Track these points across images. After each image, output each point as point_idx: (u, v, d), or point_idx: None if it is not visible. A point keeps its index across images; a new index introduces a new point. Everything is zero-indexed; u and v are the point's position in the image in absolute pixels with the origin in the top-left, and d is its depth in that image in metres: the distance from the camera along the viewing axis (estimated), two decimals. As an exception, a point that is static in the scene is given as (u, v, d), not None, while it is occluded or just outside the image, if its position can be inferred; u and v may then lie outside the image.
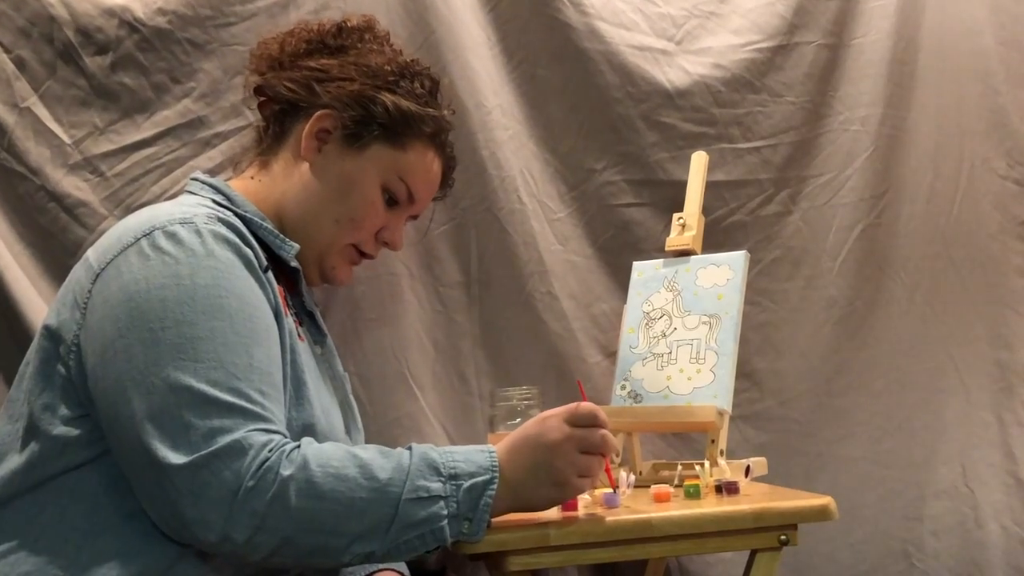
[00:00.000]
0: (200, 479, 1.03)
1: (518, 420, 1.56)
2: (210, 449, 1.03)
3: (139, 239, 1.13)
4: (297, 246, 1.28)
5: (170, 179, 1.67)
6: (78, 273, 1.19)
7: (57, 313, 1.18)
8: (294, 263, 1.30)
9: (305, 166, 1.31)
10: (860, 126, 1.98)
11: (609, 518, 1.28)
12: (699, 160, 1.82)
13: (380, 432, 1.69)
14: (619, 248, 1.91)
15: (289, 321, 1.23)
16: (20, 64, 1.63)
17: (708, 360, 1.62)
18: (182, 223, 1.14)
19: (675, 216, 1.78)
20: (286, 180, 1.32)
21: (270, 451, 1.04)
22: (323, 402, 1.26)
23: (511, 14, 1.87)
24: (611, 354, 1.83)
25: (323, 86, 1.31)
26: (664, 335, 1.69)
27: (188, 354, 1.07)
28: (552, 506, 1.21)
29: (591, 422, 1.19)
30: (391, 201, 1.36)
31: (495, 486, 1.12)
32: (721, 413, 1.56)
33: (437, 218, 1.82)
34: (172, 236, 1.13)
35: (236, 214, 1.25)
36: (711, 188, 1.86)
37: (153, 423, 1.05)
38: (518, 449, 1.16)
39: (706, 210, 1.82)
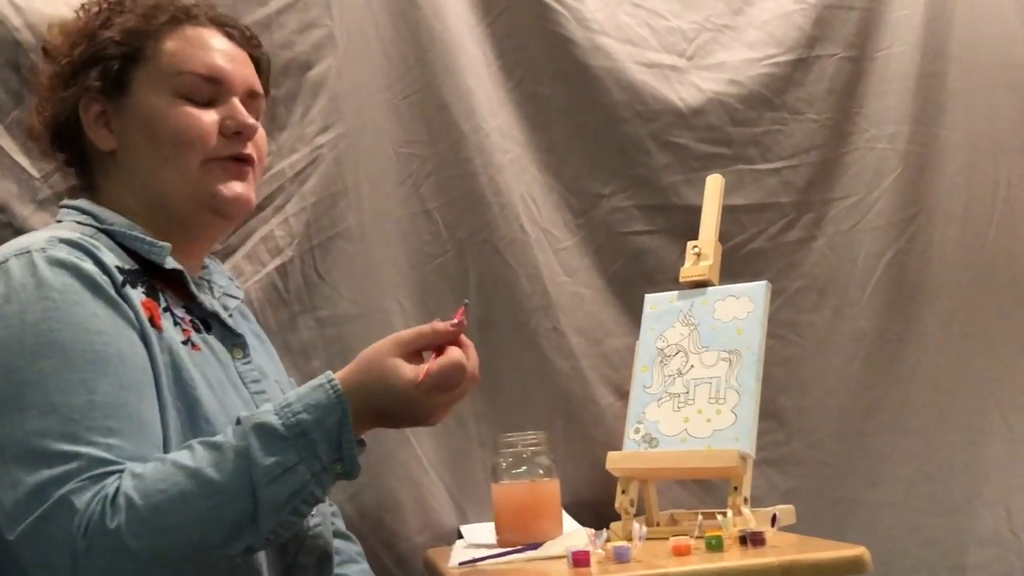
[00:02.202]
0: (38, 547, 1.01)
1: (524, 468, 1.55)
2: (39, 512, 1.01)
3: None
4: (168, 245, 1.25)
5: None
6: None
7: None
8: (171, 264, 1.26)
9: (114, 157, 1.29)
10: (887, 144, 1.98)
11: (624, 575, 1.25)
12: (715, 183, 1.81)
13: (371, 483, 1.66)
14: (630, 279, 1.90)
15: (171, 334, 1.20)
16: (-16, 93, 1.63)
17: (729, 400, 1.60)
18: (17, 254, 1.13)
19: (690, 244, 1.77)
20: (113, 182, 1.30)
21: (99, 501, 1.02)
22: (232, 415, 1.20)
23: (509, 29, 1.87)
24: (623, 394, 1.81)
25: (66, 85, 1.29)
26: (680, 373, 1.67)
27: (15, 404, 1.05)
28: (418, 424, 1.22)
29: (456, 383, 1.16)
30: (197, 101, 1.29)
31: (349, 418, 1.09)
32: (744, 457, 1.54)
33: (431, 250, 1.81)
34: (4, 273, 1.12)
35: (101, 230, 1.23)
36: (728, 213, 1.85)
37: None
38: (374, 390, 1.13)
39: (723, 237, 1.80)
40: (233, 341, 1.32)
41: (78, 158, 1.33)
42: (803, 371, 1.93)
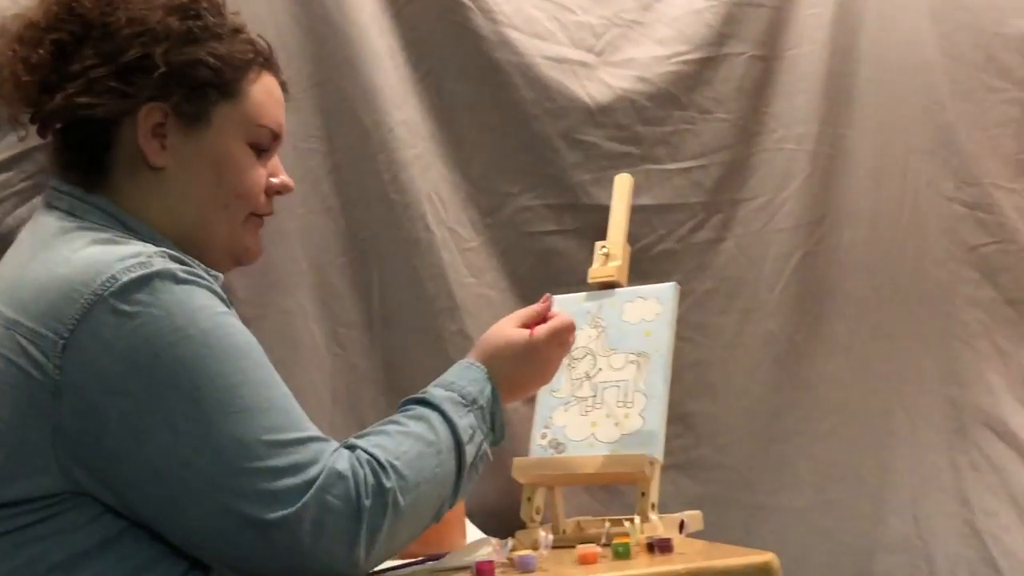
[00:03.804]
0: (314, 518, 1.07)
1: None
2: (313, 488, 1.07)
3: (102, 295, 1.09)
4: (221, 276, 1.25)
5: (27, 208, 1.61)
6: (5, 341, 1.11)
7: None
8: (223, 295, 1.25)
9: (160, 172, 1.26)
10: (796, 145, 2.02)
11: (528, 584, 1.26)
12: (623, 183, 1.83)
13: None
14: (538, 280, 1.89)
15: None
16: None
17: (637, 403, 1.62)
18: (142, 264, 1.11)
19: (598, 244, 1.78)
20: (145, 197, 1.26)
21: (362, 465, 1.12)
22: None
23: (415, 21, 1.87)
24: (530, 399, 1.79)
25: (123, 80, 1.23)
26: (588, 376, 1.69)
27: (236, 404, 1.08)
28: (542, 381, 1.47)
29: (567, 333, 1.45)
30: (258, 152, 1.32)
31: (498, 390, 1.32)
32: (652, 462, 1.55)
33: (333, 249, 1.80)
34: (142, 284, 1.10)
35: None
36: (637, 213, 1.87)
37: (237, 484, 1.06)
38: (502, 356, 1.37)
39: (632, 237, 1.82)
40: None
41: (93, 149, 1.26)
42: (712, 374, 1.96)
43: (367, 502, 1.10)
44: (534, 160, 1.93)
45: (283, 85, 1.39)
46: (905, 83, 2.08)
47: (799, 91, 2.02)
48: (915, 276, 2.06)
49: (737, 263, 2.00)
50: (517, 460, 1.65)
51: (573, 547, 1.44)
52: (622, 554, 1.40)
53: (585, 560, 1.38)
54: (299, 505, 1.06)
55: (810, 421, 1.99)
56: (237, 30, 1.32)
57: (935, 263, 2.07)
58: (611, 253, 1.76)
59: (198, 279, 1.15)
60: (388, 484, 1.12)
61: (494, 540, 1.49)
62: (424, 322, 1.84)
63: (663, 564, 1.35)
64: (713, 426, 1.96)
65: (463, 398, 1.27)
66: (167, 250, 1.17)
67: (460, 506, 1.56)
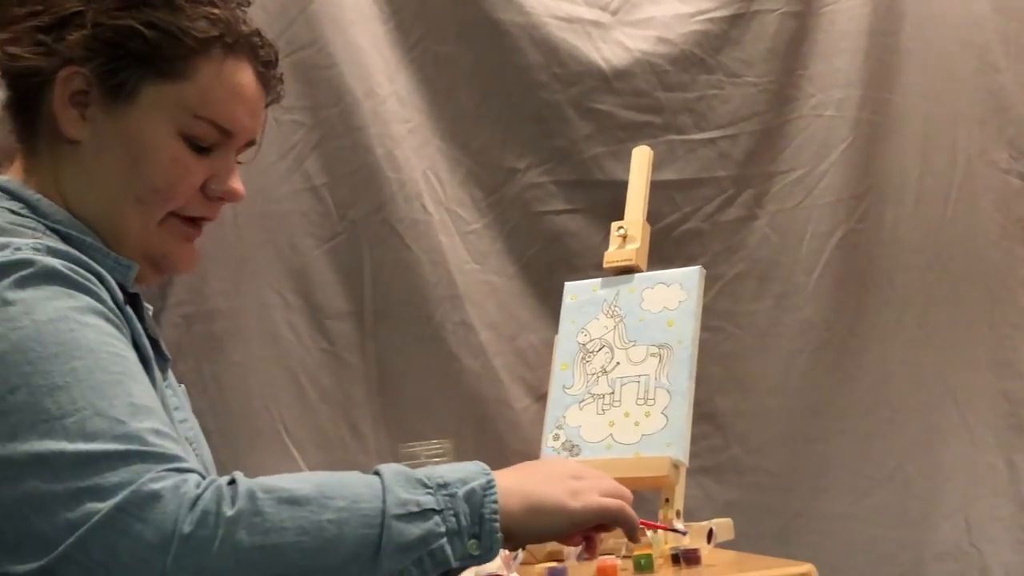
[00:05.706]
0: (106, 544, 0.95)
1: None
2: (110, 504, 0.95)
3: None
4: (135, 264, 1.22)
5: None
6: None
7: None
8: (134, 288, 1.23)
9: (76, 146, 1.22)
10: (835, 111, 2.00)
11: (542, 602, 1.27)
12: (642, 155, 1.81)
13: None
14: (548, 265, 1.90)
15: (154, 367, 1.18)
16: None
17: (659, 400, 1.60)
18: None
19: (615, 225, 1.77)
20: (61, 171, 1.23)
21: (199, 487, 0.98)
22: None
23: None
24: (541, 396, 1.81)
25: (54, 35, 1.20)
26: (604, 371, 1.67)
27: (49, 411, 1.00)
28: (570, 506, 1.12)
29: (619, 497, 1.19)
30: (197, 147, 1.25)
31: (495, 489, 1.07)
32: (676, 465, 1.54)
33: (318, 234, 1.79)
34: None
35: (49, 228, 1.17)
36: (658, 189, 1.86)
37: (34, 512, 0.98)
38: (520, 471, 1.14)
39: (652, 216, 1.81)
40: (163, 365, 1.29)
41: (23, 116, 1.24)
42: (742, 368, 1.95)
43: (186, 529, 0.96)
44: (542, 132, 1.92)
45: (264, 79, 1.30)
46: (954, 41, 2.06)
47: (838, 51, 2.00)
48: (966, 256, 2.04)
49: (770, 243, 1.98)
50: (527, 464, 1.64)
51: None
52: (645, 566, 1.40)
53: (603, 573, 1.37)
54: (87, 527, 0.96)
55: (852, 418, 1.98)
56: (205, 3, 1.25)
57: (988, 242, 2.05)
58: (629, 234, 1.75)
59: (72, 275, 1.08)
60: (228, 511, 0.98)
61: (504, 552, 1.48)
62: (422, 313, 1.83)
63: (690, 578, 1.34)
64: (744, 425, 1.95)
65: (427, 477, 1.06)
66: (49, 244, 1.11)
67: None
